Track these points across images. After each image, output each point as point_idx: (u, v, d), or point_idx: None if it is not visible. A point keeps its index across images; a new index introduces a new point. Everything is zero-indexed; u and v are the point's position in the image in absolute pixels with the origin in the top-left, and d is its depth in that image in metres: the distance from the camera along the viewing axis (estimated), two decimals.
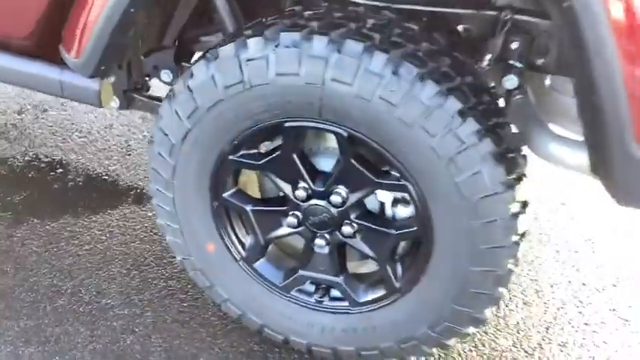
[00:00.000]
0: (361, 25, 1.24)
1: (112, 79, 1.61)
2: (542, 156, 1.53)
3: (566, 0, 1.04)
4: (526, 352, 1.68)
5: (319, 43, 1.20)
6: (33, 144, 2.29)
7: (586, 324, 1.78)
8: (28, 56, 1.55)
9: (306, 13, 1.30)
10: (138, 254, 1.86)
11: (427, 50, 1.25)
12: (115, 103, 1.69)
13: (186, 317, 1.68)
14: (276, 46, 1.22)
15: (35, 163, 2.21)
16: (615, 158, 1.17)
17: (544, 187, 2.29)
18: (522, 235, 1.33)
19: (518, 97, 1.46)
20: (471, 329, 1.43)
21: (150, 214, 1.98)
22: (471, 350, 1.67)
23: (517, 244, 1.30)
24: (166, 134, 1.39)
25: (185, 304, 1.71)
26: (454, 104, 1.19)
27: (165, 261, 1.82)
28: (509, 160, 1.27)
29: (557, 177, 2.27)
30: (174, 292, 1.74)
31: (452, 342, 1.47)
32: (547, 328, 1.76)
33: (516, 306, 1.82)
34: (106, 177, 2.18)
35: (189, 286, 1.70)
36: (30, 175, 2.15)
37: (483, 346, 1.69)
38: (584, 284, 1.92)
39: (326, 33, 1.21)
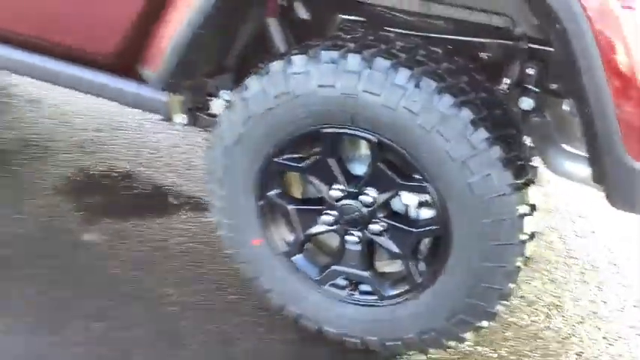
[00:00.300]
0: (390, 46, 1.46)
1: (180, 97, 1.87)
2: (557, 173, 1.69)
3: (559, 22, 1.23)
4: (544, 358, 1.80)
5: (353, 59, 1.41)
6: (107, 157, 2.57)
7: (604, 338, 1.89)
8: (108, 70, 1.82)
9: (345, 36, 1.53)
10: (194, 252, 2.08)
11: (446, 69, 1.45)
12: (181, 119, 1.94)
13: (233, 306, 1.88)
14: (318, 62, 1.44)
15: (108, 172, 2.48)
16: (610, 168, 1.33)
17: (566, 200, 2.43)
18: (531, 236, 1.49)
19: (535, 117, 1.64)
20: (485, 323, 1.58)
21: (204, 219, 2.21)
22: (491, 353, 1.80)
23: (524, 242, 1.46)
24: (222, 138, 1.63)
25: (234, 295, 1.91)
26: (467, 114, 1.38)
27: (217, 259, 2.03)
28: (517, 166, 1.44)
29: (577, 190, 2.39)
30: (225, 285, 1.95)
31: (468, 335, 1.62)
32: (565, 338, 1.87)
33: (538, 317, 1.95)
34: (170, 187, 2.43)
35: (238, 280, 1.89)
36: (103, 183, 2.43)
37: (502, 350, 1.82)
38: (605, 302, 2.02)
39: (359, 52, 1.42)
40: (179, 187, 2.42)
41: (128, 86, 1.82)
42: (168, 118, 1.91)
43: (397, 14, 1.62)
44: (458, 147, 1.38)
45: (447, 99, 1.38)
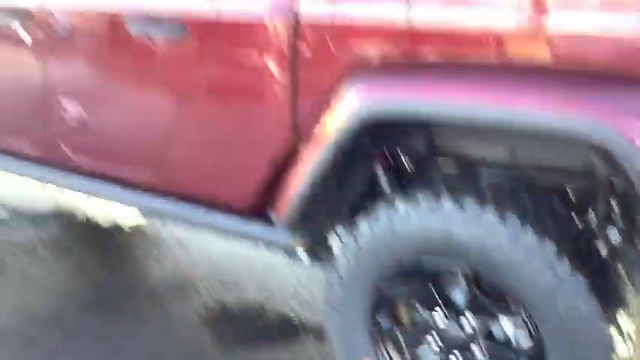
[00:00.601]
0: (479, 187, 1.68)
1: (303, 238, 2.16)
2: None
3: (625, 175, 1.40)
4: None
5: (446, 204, 1.66)
6: (244, 289, 2.90)
7: None
8: (241, 213, 2.17)
9: (440, 180, 1.79)
10: None
11: (532, 207, 1.65)
12: (306, 260, 2.23)
13: None
14: (416, 206, 1.70)
15: (241, 302, 2.79)
16: None
17: None
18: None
19: (625, 248, 1.77)
20: None
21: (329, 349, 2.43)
22: None
23: None
24: (338, 272, 1.89)
25: None
26: (551, 248, 1.55)
27: None
28: (606, 294, 1.57)
29: None
30: None
31: None
32: None
33: None
34: (296, 317, 2.69)
35: None
36: (236, 313, 2.73)
37: None
38: None
39: (452, 196, 1.67)
40: (306, 318, 2.68)
41: (258, 229, 2.15)
42: (295, 257, 2.21)
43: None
44: (544, 278, 1.55)
45: (531, 234, 1.57)
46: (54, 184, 3.13)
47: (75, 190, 3.24)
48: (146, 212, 2.61)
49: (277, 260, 3.04)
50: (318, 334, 2.53)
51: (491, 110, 1.55)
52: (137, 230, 3.45)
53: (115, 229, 3.45)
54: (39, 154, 2.67)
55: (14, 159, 2.82)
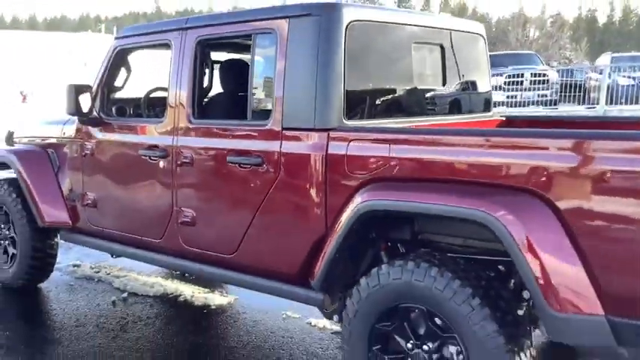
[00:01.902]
0: (434, 259, 2.70)
1: (330, 297, 3.18)
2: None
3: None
4: None
5: (411, 264, 2.68)
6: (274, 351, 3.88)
7: None
8: (277, 279, 3.24)
9: (410, 255, 2.82)
10: None
11: (464, 270, 2.64)
12: (335, 317, 3.25)
13: None
14: (393, 266, 2.73)
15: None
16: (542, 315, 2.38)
17: None
18: None
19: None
20: None
21: None
22: None
23: None
24: (347, 314, 2.90)
25: None
26: (469, 291, 2.53)
27: None
28: (508, 324, 2.51)
29: None
30: None
31: None
32: None
33: None
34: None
35: None
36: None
37: None
38: None
39: (414, 261, 2.70)
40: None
41: (302, 291, 3.21)
42: (326, 310, 3.23)
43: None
44: (466, 312, 2.52)
45: (459, 282, 2.56)
46: (169, 267, 4.38)
47: (184, 272, 4.50)
48: (229, 283, 3.74)
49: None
50: None
51: (436, 206, 2.61)
52: (220, 308, 4.56)
53: (204, 307, 4.56)
54: (158, 244, 3.88)
55: (138, 250, 4.06)
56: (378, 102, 3.32)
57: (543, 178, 2.42)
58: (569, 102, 19.09)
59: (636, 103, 16.66)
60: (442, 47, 3.67)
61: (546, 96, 18.40)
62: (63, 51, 45.29)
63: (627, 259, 2.26)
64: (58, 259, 4.98)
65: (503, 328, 2.50)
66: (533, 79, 18.66)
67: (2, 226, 4.89)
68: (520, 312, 2.71)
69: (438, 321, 2.67)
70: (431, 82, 3.68)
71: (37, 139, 4.87)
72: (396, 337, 2.80)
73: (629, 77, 17.23)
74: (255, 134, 3.32)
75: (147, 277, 5.23)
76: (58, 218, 4.51)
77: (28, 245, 4.69)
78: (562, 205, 2.37)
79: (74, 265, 5.53)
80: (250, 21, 3.44)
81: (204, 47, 3.72)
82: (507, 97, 18.76)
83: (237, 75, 3.74)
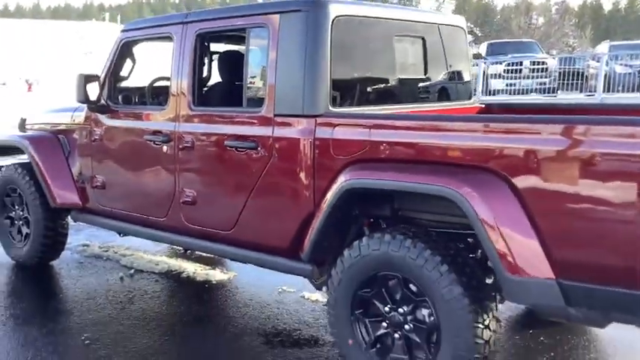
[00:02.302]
0: (409, 231, 3.01)
1: (315, 266, 3.49)
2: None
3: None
4: None
5: (387, 236, 2.99)
6: (278, 320, 4.20)
7: None
8: (270, 252, 3.56)
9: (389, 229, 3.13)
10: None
11: (435, 242, 2.95)
12: (325, 288, 3.56)
13: None
14: (372, 239, 3.04)
15: (280, 331, 4.09)
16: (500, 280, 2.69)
17: None
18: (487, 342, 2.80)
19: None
20: None
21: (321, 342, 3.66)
22: None
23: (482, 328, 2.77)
24: (332, 283, 3.21)
25: None
26: (438, 258, 2.84)
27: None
28: (472, 287, 2.82)
29: None
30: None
31: None
32: None
33: None
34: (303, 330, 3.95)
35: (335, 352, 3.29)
36: (274, 343, 4.03)
37: None
38: None
39: (391, 234, 3.01)
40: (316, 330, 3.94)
41: (289, 264, 3.53)
42: (315, 281, 3.54)
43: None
44: (435, 278, 2.83)
45: (429, 252, 2.87)
46: (173, 244, 4.70)
47: (185, 247, 4.81)
48: (227, 257, 4.07)
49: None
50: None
51: (427, 185, 2.90)
52: (220, 283, 4.89)
53: (204, 284, 4.89)
54: (162, 222, 4.19)
55: (144, 228, 4.38)
56: (361, 90, 3.62)
57: (502, 159, 2.72)
58: (569, 90, 19.32)
59: (633, 90, 16.86)
60: (423, 39, 3.97)
61: (545, 84, 18.62)
62: (69, 39, 45.53)
63: (574, 230, 2.57)
64: (68, 240, 5.31)
65: (467, 291, 2.81)
66: (532, 67, 18.87)
67: (16, 207, 5.22)
68: (489, 280, 3.02)
69: (412, 287, 2.98)
70: (412, 72, 3.97)
71: (48, 126, 5.18)
72: (376, 302, 3.12)
73: (626, 65, 17.44)
74: (250, 120, 3.62)
75: (152, 255, 5.56)
76: (69, 199, 4.83)
77: (41, 225, 5.01)
78: (518, 182, 2.67)
79: (83, 245, 5.86)
80: (245, 16, 3.74)
81: (204, 40, 4.03)
82: (507, 84, 19.00)
83: (233, 65, 4.04)
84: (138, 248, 5.74)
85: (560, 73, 19.23)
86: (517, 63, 18.91)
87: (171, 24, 4.12)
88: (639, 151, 2.39)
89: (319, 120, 3.31)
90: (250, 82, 3.75)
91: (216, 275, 5.03)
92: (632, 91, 16.85)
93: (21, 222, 5.21)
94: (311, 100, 3.33)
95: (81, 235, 6.11)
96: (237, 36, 4.20)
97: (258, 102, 3.62)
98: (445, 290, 2.82)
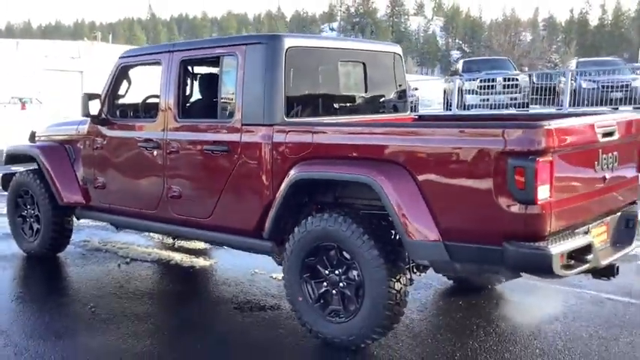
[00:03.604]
0: (344, 212, 3.95)
1: (275, 243, 4.41)
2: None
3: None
4: None
5: (327, 215, 3.93)
6: (255, 292, 5.10)
7: None
8: (240, 234, 4.48)
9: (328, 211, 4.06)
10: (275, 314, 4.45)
11: (361, 219, 3.89)
12: (277, 255, 4.48)
13: (283, 332, 4.18)
14: (315, 218, 3.98)
15: (250, 300, 4.99)
16: (403, 242, 3.63)
17: None
18: (398, 291, 3.72)
19: None
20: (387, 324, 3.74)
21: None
22: None
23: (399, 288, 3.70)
24: (286, 254, 4.13)
25: (291, 322, 4.21)
26: (361, 230, 3.78)
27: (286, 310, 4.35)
28: (389, 255, 3.75)
29: None
30: (285, 318, 4.27)
31: (383, 332, 3.77)
32: None
33: None
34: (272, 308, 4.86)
35: (292, 316, 4.20)
36: (238, 318, 4.93)
37: None
38: None
39: (329, 214, 3.94)
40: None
41: (254, 242, 4.44)
42: (277, 259, 4.46)
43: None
44: (359, 244, 3.76)
45: (355, 226, 3.80)
46: (162, 232, 5.62)
47: (172, 235, 5.74)
48: (206, 241, 5.00)
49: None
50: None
51: (351, 175, 3.84)
52: (202, 268, 5.80)
53: (189, 269, 5.80)
54: (153, 214, 5.11)
55: (138, 220, 5.30)
56: (311, 104, 4.57)
57: (404, 156, 3.67)
58: (543, 104, 20.40)
59: (599, 104, 17.89)
60: (364, 64, 4.93)
61: (517, 99, 19.69)
62: (63, 59, 46.33)
63: (451, 205, 3.51)
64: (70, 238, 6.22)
65: (382, 254, 3.73)
66: (505, 83, 19.94)
67: (28, 206, 6.13)
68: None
69: (345, 254, 3.91)
70: (354, 89, 4.93)
71: (55, 137, 6.11)
72: (319, 267, 4.04)
73: (591, 81, 18.51)
74: (223, 129, 4.56)
75: (145, 248, 6.48)
76: (74, 198, 5.74)
77: (50, 221, 5.91)
78: (416, 172, 3.61)
79: (85, 241, 6.77)
80: (220, 46, 4.70)
81: (186, 65, 4.98)
82: (481, 100, 20.07)
83: (210, 85, 4.98)
84: (132, 242, 6.66)
85: (536, 88, 20.33)
86: (491, 80, 19.98)
87: (160, 52, 5.07)
88: (492, 146, 3.34)
89: (275, 128, 4.25)
90: (223, 99, 4.69)
91: (200, 262, 5.96)
92: (598, 104, 17.89)
93: (32, 219, 6.11)
94: (269, 112, 4.28)
95: (82, 234, 7.01)
96: (213, 61, 5.13)
97: (229, 114, 4.56)
98: (366, 253, 3.74)
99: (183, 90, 5.05)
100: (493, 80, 19.95)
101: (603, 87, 18.10)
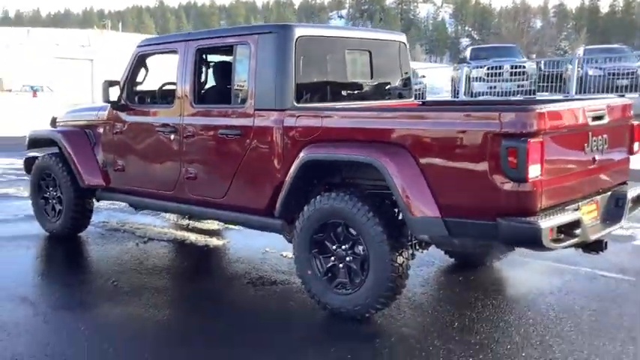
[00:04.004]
0: (349, 191, 4.23)
1: (285, 222, 4.70)
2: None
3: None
4: None
5: (334, 195, 4.21)
6: (260, 268, 5.40)
7: None
8: (252, 213, 4.76)
9: (335, 190, 4.34)
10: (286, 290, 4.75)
11: (366, 197, 4.17)
12: (287, 234, 4.77)
13: (294, 304, 4.48)
14: (322, 197, 4.26)
15: (262, 276, 5.29)
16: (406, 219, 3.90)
17: None
18: (401, 265, 4.01)
19: None
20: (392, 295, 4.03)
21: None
22: None
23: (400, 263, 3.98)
24: (296, 231, 4.42)
25: (301, 295, 4.50)
26: (366, 208, 4.06)
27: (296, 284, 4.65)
28: (394, 235, 4.02)
29: None
30: (295, 292, 4.56)
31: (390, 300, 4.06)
32: None
33: None
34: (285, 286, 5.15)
35: (302, 290, 4.49)
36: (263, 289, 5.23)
37: None
38: None
39: (336, 193, 4.22)
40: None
41: (266, 221, 4.73)
42: (287, 237, 4.74)
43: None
44: (364, 221, 4.04)
45: (361, 204, 4.08)
46: (178, 212, 5.92)
47: (188, 214, 6.04)
48: (220, 220, 5.30)
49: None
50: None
51: (357, 156, 4.11)
52: (216, 247, 6.11)
53: (204, 247, 6.11)
54: (170, 195, 5.40)
55: (156, 200, 5.60)
56: (319, 90, 4.83)
57: (407, 138, 3.94)
58: (551, 91, 20.53)
59: (605, 91, 18.04)
60: (370, 52, 5.19)
61: (524, 86, 19.85)
62: (73, 47, 46.61)
63: (450, 184, 3.78)
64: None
65: (386, 230, 4.00)
66: (512, 70, 20.09)
67: (50, 188, 6.44)
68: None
69: (351, 230, 4.19)
70: (361, 77, 5.19)
71: (76, 122, 6.41)
72: (327, 242, 4.33)
73: (598, 68, 18.65)
74: (236, 114, 4.84)
75: (161, 228, 6.79)
76: (95, 181, 6.04)
77: (71, 203, 6.22)
78: (417, 154, 3.88)
79: (104, 222, 7.09)
80: (233, 35, 4.98)
81: (202, 53, 5.25)
82: (489, 87, 20.24)
83: (224, 73, 5.25)
84: (149, 223, 6.98)
85: (543, 75, 20.46)
86: (498, 67, 20.14)
87: (176, 41, 5.35)
88: (489, 129, 3.60)
89: (286, 112, 4.52)
90: (237, 85, 4.97)
91: (213, 241, 6.26)
92: (604, 91, 18.04)
93: (54, 201, 6.42)
94: (280, 98, 4.55)
95: (100, 216, 7.32)
96: (227, 50, 5.40)
97: (242, 100, 4.84)
98: (371, 230, 4.02)
99: (199, 77, 5.33)
100: (500, 68, 20.10)
101: (609, 74, 18.25)
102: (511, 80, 20.06)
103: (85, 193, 6.23)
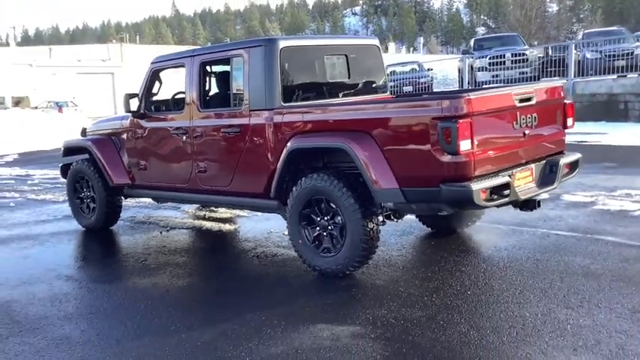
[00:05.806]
0: (330, 171, 5.17)
1: (280, 202, 5.64)
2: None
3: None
4: None
5: (318, 174, 5.15)
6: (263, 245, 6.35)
7: None
8: (253, 197, 5.72)
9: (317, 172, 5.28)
10: (283, 267, 5.70)
11: (342, 176, 5.10)
12: (283, 212, 5.72)
13: (290, 269, 5.42)
14: (307, 177, 5.20)
15: (266, 251, 6.24)
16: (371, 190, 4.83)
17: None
18: (372, 229, 4.94)
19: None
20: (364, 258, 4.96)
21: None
22: None
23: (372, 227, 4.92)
24: (288, 208, 5.37)
25: (296, 263, 5.45)
26: (341, 185, 4.99)
27: (293, 255, 5.59)
28: (362, 204, 4.96)
29: None
30: (292, 260, 5.51)
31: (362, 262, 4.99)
32: None
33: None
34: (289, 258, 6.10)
35: (298, 259, 5.44)
36: (269, 264, 6.19)
37: None
38: None
39: (321, 172, 5.16)
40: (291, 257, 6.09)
41: (264, 202, 5.69)
42: (284, 215, 5.69)
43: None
44: (340, 195, 4.97)
45: (337, 181, 5.01)
46: (193, 202, 6.92)
47: (200, 203, 7.06)
48: (227, 205, 6.29)
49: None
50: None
51: (330, 143, 5.05)
52: (228, 231, 7.09)
53: (218, 232, 7.09)
54: (185, 187, 6.39)
55: (174, 193, 6.60)
56: (303, 91, 5.78)
57: (369, 125, 4.86)
58: (556, 76, 21.19)
59: (602, 73, 18.69)
60: (346, 56, 6.12)
61: (526, 73, 20.56)
62: (94, 61, 48.13)
63: (403, 160, 4.69)
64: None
65: (358, 201, 4.92)
66: (513, 58, 20.82)
67: (85, 189, 7.48)
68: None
69: (331, 204, 5.13)
70: (339, 77, 6.12)
71: (103, 131, 7.44)
72: (312, 215, 5.27)
73: (595, 51, 19.30)
74: (235, 115, 5.80)
75: (181, 219, 7.80)
76: (122, 180, 7.07)
77: (103, 200, 7.26)
78: (377, 137, 4.80)
79: (131, 217, 8.13)
80: (230, 50, 5.95)
81: (205, 66, 6.23)
82: (492, 76, 21.00)
83: (224, 81, 6.23)
84: (171, 216, 8.00)
85: (551, 60, 21.11)
86: (500, 56, 20.87)
87: (183, 57, 6.34)
88: (431, 114, 4.50)
89: (275, 111, 5.48)
90: (235, 91, 5.94)
91: (226, 227, 7.25)
92: (601, 73, 18.70)
93: (88, 200, 7.46)
94: (270, 99, 5.50)
95: (128, 212, 8.36)
96: (226, 62, 6.37)
97: (240, 103, 5.80)
98: (346, 202, 4.95)
99: (204, 86, 6.31)
100: (502, 56, 20.86)
101: (607, 56, 18.89)
102: (513, 68, 20.80)
103: (115, 192, 7.26)
